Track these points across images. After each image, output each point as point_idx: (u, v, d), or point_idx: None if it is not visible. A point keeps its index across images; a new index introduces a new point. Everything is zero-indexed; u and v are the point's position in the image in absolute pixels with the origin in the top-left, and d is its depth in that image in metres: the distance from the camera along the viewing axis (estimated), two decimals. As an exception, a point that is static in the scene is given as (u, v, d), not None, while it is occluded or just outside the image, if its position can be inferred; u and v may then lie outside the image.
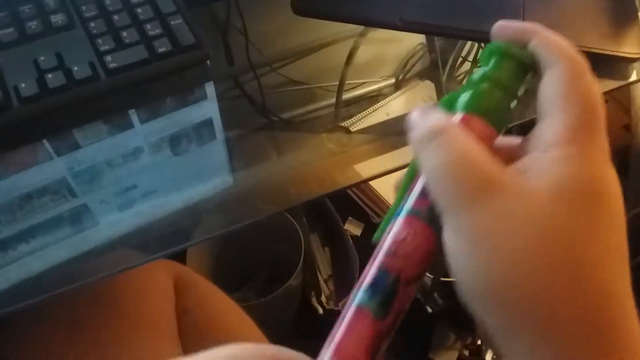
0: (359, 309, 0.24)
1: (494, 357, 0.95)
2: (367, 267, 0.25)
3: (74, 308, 0.49)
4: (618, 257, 0.22)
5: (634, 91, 0.82)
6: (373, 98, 0.52)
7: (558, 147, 0.22)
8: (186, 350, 0.54)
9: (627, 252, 0.22)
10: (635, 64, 0.50)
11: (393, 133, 0.49)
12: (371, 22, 0.51)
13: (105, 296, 0.51)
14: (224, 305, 0.61)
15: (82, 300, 0.50)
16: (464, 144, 0.23)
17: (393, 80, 0.55)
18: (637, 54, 0.49)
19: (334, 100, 0.52)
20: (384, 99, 0.53)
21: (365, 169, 0.46)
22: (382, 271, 0.24)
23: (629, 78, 0.50)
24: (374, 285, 0.24)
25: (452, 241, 0.22)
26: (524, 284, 0.21)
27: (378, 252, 0.25)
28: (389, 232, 0.25)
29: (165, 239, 0.41)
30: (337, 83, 0.52)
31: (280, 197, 0.44)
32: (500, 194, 0.22)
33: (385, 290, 0.24)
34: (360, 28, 0.54)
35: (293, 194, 0.44)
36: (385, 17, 0.50)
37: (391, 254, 0.24)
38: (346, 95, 0.52)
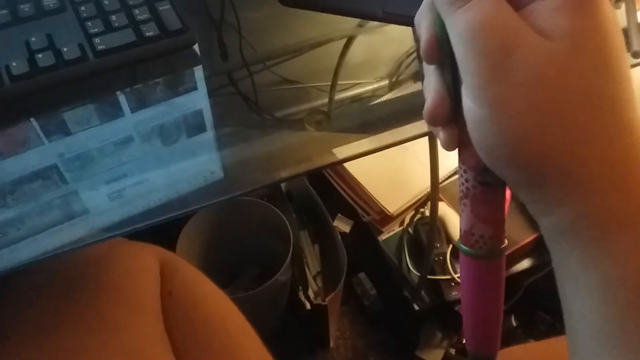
0: None
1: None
2: None
3: (61, 285, 0.50)
4: (629, 91, 0.24)
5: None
6: (366, 99, 0.53)
7: None
8: (170, 332, 0.55)
9: (633, 88, 0.24)
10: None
11: (371, 119, 0.51)
12: (354, 13, 0.53)
13: (92, 276, 0.52)
14: (208, 290, 0.62)
15: (68, 279, 0.51)
16: (492, 3, 0.24)
17: (387, 82, 0.55)
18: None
19: (327, 100, 0.52)
20: (377, 100, 0.53)
21: (343, 152, 0.47)
22: None
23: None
24: None
25: (475, 110, 0.24)
26: (546, 139, 0.23)
27: None
28: None
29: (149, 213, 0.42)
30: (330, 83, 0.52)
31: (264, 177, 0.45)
32: (522, 61, 0.23)
33: None
34: (354, 27, 0.55)
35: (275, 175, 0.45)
36: (368, 8, 0.51)
37: None
38: (339, 96, 0.52)
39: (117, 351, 0.48)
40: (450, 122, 0.28)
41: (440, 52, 0.27)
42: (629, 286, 0.23)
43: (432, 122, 0.28)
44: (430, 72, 0.28)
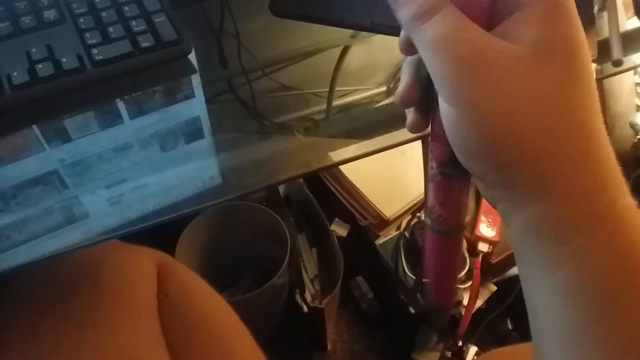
0: None
1: (475, 358, 0.97)
2: None
3: (58, 287, 0.51)
4: (595, 100, 0.25)
5: (608, 100, 0.85)
6: (364, 105, 0.54)
7: (530, 7, 0.25)
8: (166, 333, 0.57)
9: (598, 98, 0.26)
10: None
11: (365, 123, 0.52)
12: (343, 24, 0.55)
13: (89, 278, 0.53)
14: (204, 292, 0.63)
15: (66, 280, 0.52)
16: (457, 19, 0.25)
17: (385, 88, 0.56)
18: (592, 55, 0.52)
19: (325, 107, 0.53)
20: (375, 106, 0.54)
21: (338, 155, 0.49)
22: None
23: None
24: None
25: (449, 112, 0.26)
26: (514, 140, 0.24)
27: None
28: None
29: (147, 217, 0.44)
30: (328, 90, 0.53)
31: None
32: (491, 66, 0.24)
33: None
34: (351, 35, 0.56)
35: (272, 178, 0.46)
36: (356, 19, 0.53)
37: None
38: (337, 102, 0.53)
39: (114, 352, 0.49)
40: (417, 109, 0.30)
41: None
42: (587, 290, 0.24)
43: (400, 104, 0.31)
44: (408, 58, 0.31)
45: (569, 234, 0.24)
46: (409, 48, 0.29)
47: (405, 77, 0.30)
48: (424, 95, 0.30)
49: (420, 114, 0.31)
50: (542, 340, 0.26)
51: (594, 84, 0.25)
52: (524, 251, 0.26)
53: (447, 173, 0.31)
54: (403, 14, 0.26)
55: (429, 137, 0.31)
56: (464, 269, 0.89)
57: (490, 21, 0.26)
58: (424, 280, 0.38)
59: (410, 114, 0.32)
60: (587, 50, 0.25)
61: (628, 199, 0.25)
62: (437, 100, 0.29)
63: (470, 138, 0.25)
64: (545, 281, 0.25)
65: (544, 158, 0.24)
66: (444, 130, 0.29)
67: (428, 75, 0.29)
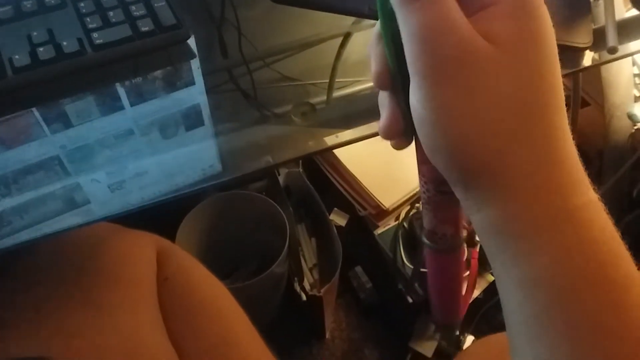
0: None
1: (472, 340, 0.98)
2: None
3: (58, 269, 0.52)
4: (560, 98, 0.26)
5: (606, 90, 0.86)
6: (365, 96, 0.54)
7: (500, 2, 0.25)
8: (165, 316, 0.57)
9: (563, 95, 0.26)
10: (587, 52, 0.54)
11: (361, 108, 0.52)
12: (342, 10, 0.55)
13: (90, 260, 0.54)
14: (203, 276, 0.64)
15: (67, 263, 0.53)
16: (446, 6, 0.24)
17: None
18: (587, 43, 0.53)
19: (325, 97, 0.53)
20: (376, 97, 0.54)
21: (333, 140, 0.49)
22: None
23: (580, 65, 0.54)
24: None
25: (419, 112, 0.26)
26: (475, 141, 0.24)
27: None
28: None
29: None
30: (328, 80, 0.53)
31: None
32: (468, 66, 0.24)
33: None
34: (351, 24, 0.56)
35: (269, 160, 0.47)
36: (355, 5, 0.54)
37: None
38: (338, 93, 0.53)
39: (114, 333, 0.50)
40: (402, 135, 0.30)
41: (392, 79, 0.29)
42: (543, 285, 0.24)
43: (386, 137, 0.30)
44: (384, 93, 0.30)
45: (522, 234, 0.25)
46: (385, 82, 0.29)
47: (385, 110, 0.30)
48: (407, 123, 0.29)
49: (406, 139, 0.31)
50: (510, 330, 0.27)
51: (559, 79, 0.26)
52: (489, 247, 0.27)
53: (447, 190, 0.31)
54: None
55: (417, 163, 0.31)
56: (473, 286, 0.88)
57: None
58: (431, 305, 0.38)
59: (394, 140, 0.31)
60: (553, 44, 0.25)
61: (583, 197, 0.25)
62: None
63: (435, 137, 0.26)
64: (505, 277, 0.26)
65: (501, 160, 0.25)
66: None
67: (408, 104, 0.28)
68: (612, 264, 0.24)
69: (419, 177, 0.32)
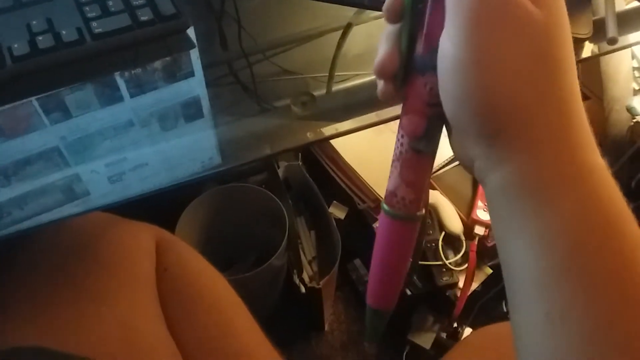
0: None
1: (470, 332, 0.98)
2: None
3: (58, 259, 0.52)
4: (574, 62, 0.27)
5: (606, 83, 0.86)
6: (365, 90, 0.53)
7: None
8: (164, 306, 0.58)
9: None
10: (586, 43, 0.54)
11: (360, 98, 0.52)
12: (342, 1, 0.55)
13: (89, 250, 0.54)
14: (202, 267, 0.64)
15: (66, 252, 0.53)
16: None
17: None
18: (587, 33, 0.53)
19: (324, 91, 0.53)
20: (375, 91, 0.54)
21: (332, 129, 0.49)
22: None
23: (580, 56, 0.54)
24: None
25: (455, 55, 0.26)
26: (510, 93, 0.25)
27: None
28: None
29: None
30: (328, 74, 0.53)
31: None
32: (513, 20, 0.25)
33: None
34: (352, 17, 0.56)
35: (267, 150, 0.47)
36: (355, -5, 0.54)
37: None
38: (338, 87, 0.53)
39: (112, 322, 0.50)
40: (392, 78, 0.30)
41: (404, 13, 0.29)
42: (558, 238, 0.25)
43: (379, 74, 0.31)
44: (389, 29, 0.31)
45: (545, 188, 0.26)
46: (395, 15, 0.30)
47: (384, 47, 0.31)
48: (402, 66, 0.30)
49: (394, 85, 0.31)
50: (515, 294, 0.27)
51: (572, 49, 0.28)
52: (500, 206, 0.28)
53: (420, 149, 0.31)
54: None
55: (400, 114, 0.31)
56: (471, 279, 0.89)
57: None
58: (368, 281, 0.37)
59: (381, 83, 0.32)
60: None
61: (598, 159, 0.27)
62: (416, 70, 0.29)
63: (470, 80, 0.26)
64: (520, 232, 0.27)
65: (532, 113, 0.26)
66: (421, 101, 0.29)
67: (408, 46, 0.29)
68: (625, 221, 0.26)
69: (398, 130, 0.32)
